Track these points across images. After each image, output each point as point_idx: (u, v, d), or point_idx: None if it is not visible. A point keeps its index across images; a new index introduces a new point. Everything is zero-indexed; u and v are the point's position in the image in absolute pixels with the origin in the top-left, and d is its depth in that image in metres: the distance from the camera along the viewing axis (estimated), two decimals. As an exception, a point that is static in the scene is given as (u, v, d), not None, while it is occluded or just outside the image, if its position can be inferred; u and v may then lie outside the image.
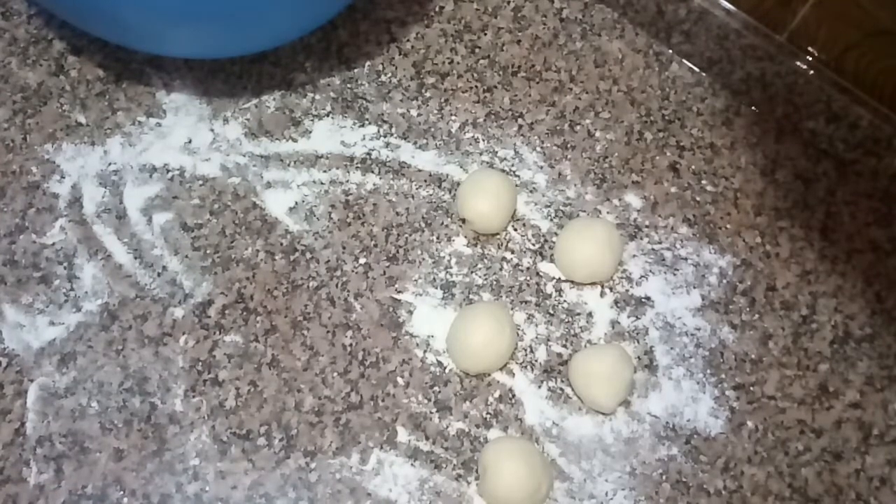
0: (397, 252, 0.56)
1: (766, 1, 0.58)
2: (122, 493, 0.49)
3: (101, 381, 0.52)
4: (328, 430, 0.51)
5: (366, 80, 0.62)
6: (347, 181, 0.58)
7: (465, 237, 0.57)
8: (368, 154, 0.59)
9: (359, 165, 0.59)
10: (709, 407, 0.54)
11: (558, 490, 0.51)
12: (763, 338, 0.56)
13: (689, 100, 0.63)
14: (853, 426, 0.54)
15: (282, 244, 0.56)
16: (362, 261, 0.56)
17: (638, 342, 0.55)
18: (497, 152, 0.60)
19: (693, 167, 0.61)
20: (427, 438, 0.51)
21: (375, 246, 0.57)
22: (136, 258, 0.55)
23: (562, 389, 0.53)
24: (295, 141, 0.59)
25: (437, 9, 0.65)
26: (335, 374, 0.53)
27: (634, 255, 0.58)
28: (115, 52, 0.61)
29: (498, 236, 0.57)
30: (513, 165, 0.60)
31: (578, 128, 0.61)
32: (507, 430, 0.52)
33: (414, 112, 0.61)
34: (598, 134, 0.61)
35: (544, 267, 0.57)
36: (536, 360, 0.54)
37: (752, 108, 0.63)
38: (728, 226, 0.59)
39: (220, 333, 0.53)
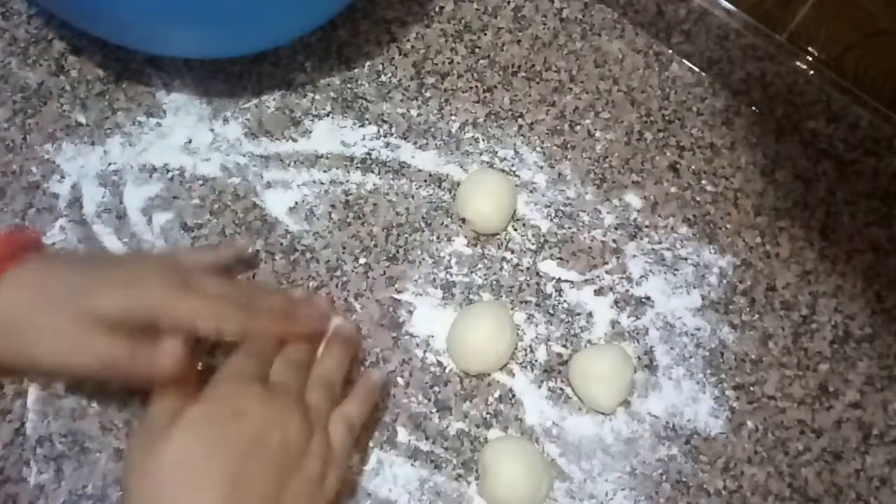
0: (397, 252, 0.56)
1: (766, 1, 0.58)
2: (122, 493, 0.49)
3: (101, 380, 0.52)
4: (328, 430, 0.51)
5: (366, 80, 0.62)
6: (347, 181, 0.58)
7: (465, 237, 0.57)
8: (368, 154, 0.59)
9: (359, 165, 0.59)
10: (709, 407, 0.54)
11: (558, 490, 0.51)
12: (763, 338, 0.56)
13: (689, 100, 0.63)
14: (853, 426, 0.54)
15: (282, 244, 0.56)
16: (362, 261, 0.56)
17: (638, 342, 0.55)
18: (497, 152, 0.60)
19: (693, 167, 0.61)
20: (427, 438, 0.51)
21: (375, 246, 0.57)
22: (136, 258, 0.55)
23: (562, 389, 0.53)
24: (295, 141, 0.59)
25: (437, 9, 0.65)
26: (335, 374, 0.53)
27: (634, 255, 0.58)
28: (115, 52, 0.61)
29: (498, 236, 0.57)
30: (513, 165, 0.60)
31: (578, 128, 0.61)
32: (507, 430, 0.52)
33: (414, 112, 0.61)
34: (598, 134, 0.61)
35: (544, 267, 0.57)
36: (536, 360, 0.54)
37: (752, 108, 0.63)
38: (728, 226, 0.59)
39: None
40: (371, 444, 0.51)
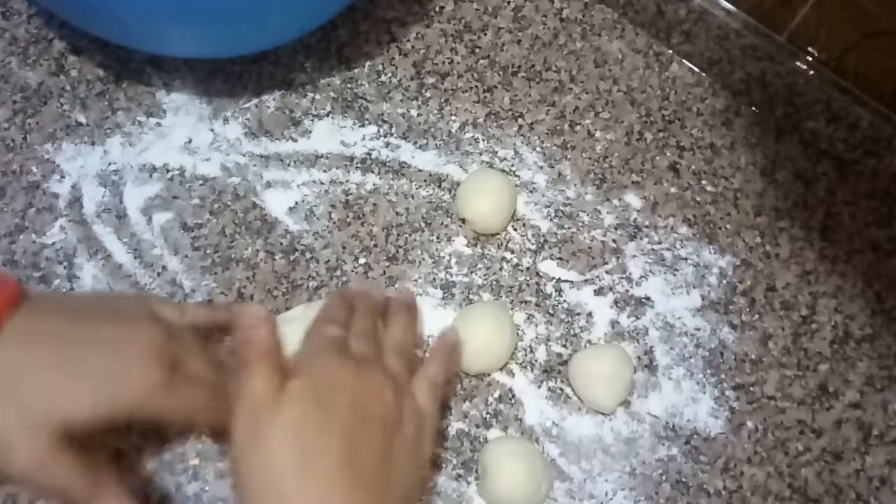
0: (397, 252, 0.56)
1: (766, 1, 0.58)
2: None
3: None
4: (328, 430, 0.51)
5: (366, 80, 0.62)
6: (347, 181, 0.58)
7: (465, 237, 0.57)
8: (368, 154, 0.59)
9: (359, 165, 0.59)
10: (709, 407, 0.54)
11: (558, 490, 0.51)
12: (763, 338, 0.56)
13: (689, 100, 0.63)
14: (853, 426, 0.54)
15: (282, 244, 0.56)
16: (362, 261, 0.56)
17: (638, 342, 0.55)
18: (497, 152, 0.60)
19: (693, 167, 0.61)
20: (427, 438, 0.51)
21: (375, 246, 0.57)
22: (136, 258, 0.55)
23: (562, 389, 0.53)
24: (295, 141, 0.59)
25: (437, 9, 0.65)
26: (335, 374, 0.53)
27: (634, 255, 0.58)
28: (115, 52, 0.61)
29: (498, 236, 0.57)
30: (513, 165, 0.60)
31: (578, 128, 0.61)
32: (507, 430, 0.52)
33: (414, 112, 0.61)
34: (598, 134, 0.61)
35: (544, 267, 0.57)
36: (536, 360, 0.54)
37: (752, 108, 0.63)
38: (728, 226, 0.59)
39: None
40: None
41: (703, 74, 0.64)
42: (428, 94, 0.62)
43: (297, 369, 0.42)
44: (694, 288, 0.57)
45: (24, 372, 0.40)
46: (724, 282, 0.57)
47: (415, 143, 0.60)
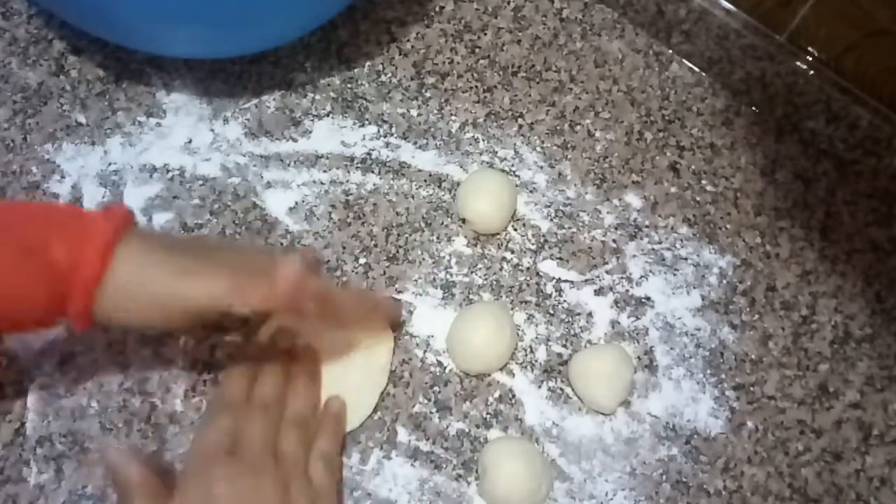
0: (397, 252, 0.56)
1: (766, 1, 0.58)
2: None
3: (101, 381, 0.52)
4: (328, 430, 0.51)
5: (366, 80, 0.62)
6: (347, 181, 0.58)
7: (465, 237, 0.57)
8: (368, 154, 0.59)
9: (359, 165, 0.59)
10: (709, 407, 0.54)
11: (558, 490, 0.51)
12: (763, 338, 0.56)
13: (689, 100, 0.63)
14: (853, 426, 0.54)
15: (282, 244, 0.56)
16: (362, 261, 0.56)
17: (638, 342, 0.55)
18: (497, 152, 0.60)
19: (693, 167, 0.61)
20: (427, 438, 0.51)
21: (375, 246, 0.57)
22: (136, 258, 0.55)
23: (562, 389, 0.53)
24: (295, 141, 0.59)
25: (437, 9, 0.65)
26: (335, 374, 0.53)
27: (634, 255, 0.58)
28: (115, 52, 0.61)
29: (498, 236, 0.57)
30: (513, 165, 0.60)
31: (578, 128, 0.61)
32: (507, 430, 0.52)
33: (414, 112, 0.61)
34: (598, 134, 0.61)
35: (544, 267, 0.57)
36: (536, 360, 0.54)
37: (752, 108, 0.63)
38: (728, 226, 0.59)
39: (220, 333, 0.53)
40: (371, 444, 0.51)
41: (703, 74, 0.64)
42: (428, 94, 0.62)
43: (176, 490, 0.43)
44: (694, 288, 0.57)
45: (170, 250, 0.43)
46: (724, 282, 0.57)
47: (415, 143, 0.60)
